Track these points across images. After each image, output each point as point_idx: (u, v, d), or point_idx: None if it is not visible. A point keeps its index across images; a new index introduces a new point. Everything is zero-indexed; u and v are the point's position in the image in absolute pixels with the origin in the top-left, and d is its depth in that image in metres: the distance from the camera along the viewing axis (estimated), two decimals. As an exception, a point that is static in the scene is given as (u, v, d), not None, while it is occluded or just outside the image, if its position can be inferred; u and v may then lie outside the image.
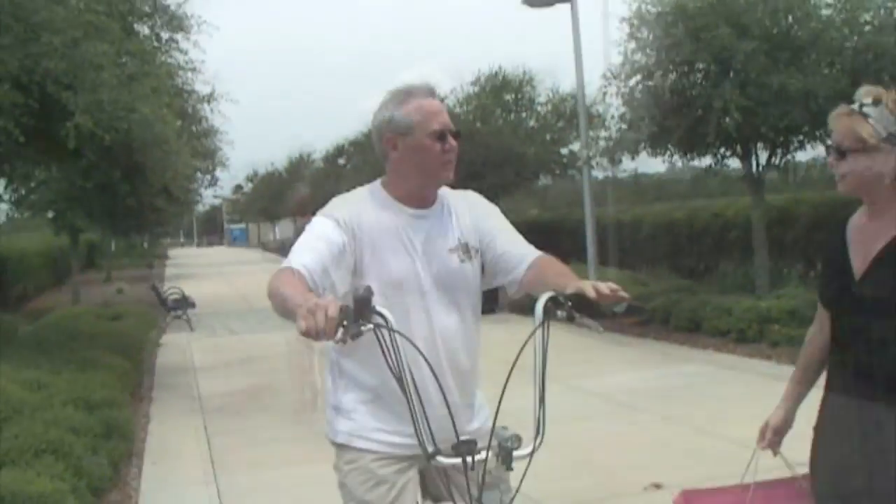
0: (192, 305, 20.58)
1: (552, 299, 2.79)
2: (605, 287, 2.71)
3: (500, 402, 2.68)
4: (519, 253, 3.25)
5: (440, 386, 2.79)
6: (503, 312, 16.51)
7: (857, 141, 3.03)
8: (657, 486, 6.59)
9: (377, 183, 3.29)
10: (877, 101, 3.04)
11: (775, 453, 3.39)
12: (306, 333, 2.46)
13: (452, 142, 3.16)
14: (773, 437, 3.38)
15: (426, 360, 2.74)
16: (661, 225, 20.98)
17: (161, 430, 9.81)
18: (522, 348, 2.66)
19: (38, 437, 6.64)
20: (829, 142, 3.19)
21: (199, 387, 12.44)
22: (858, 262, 3.12)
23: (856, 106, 3.08)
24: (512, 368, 2.64)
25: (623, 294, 2.72)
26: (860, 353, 3.07)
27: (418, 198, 3.22)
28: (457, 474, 2.86)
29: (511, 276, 3.24)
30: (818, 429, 3.25)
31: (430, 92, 3.20)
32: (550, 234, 26.03)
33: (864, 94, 3.10)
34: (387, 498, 3.10)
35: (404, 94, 3.16)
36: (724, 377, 11.05)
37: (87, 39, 9.94)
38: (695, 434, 7.93)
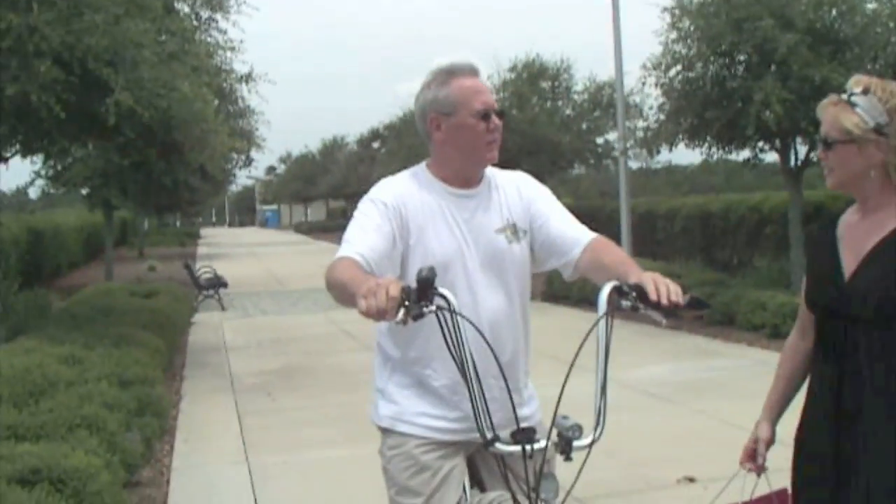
0: (225, 285, 20.67)
1: (616, 289, 2.73)
2: (664, 287, 2.68)
3: (562, 390, 2.63)
4: (573, 235, 3.21)
5: (500, 369, 2.77)
6: (535, 301, 16.47)
7: (842, 132, 2.95)
8: (690, 480, 6.55)
9: (422, 165, 3.26)
10: (866, 90, 2.94)
11: (760, 474, 3.24)
12: (367, 313, 2.46)
13: (497, 121, 3.12)
14: (763, 453, 3.25)
15: (489, 344, 2.70)
16: (696, 217, 20.84)
17: (193, 408, 9.85)
18: (586, 338, 2.61)
19: (73, 412, 6.65)
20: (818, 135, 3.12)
21: (230, 366, 12.49)
22: (850, 260, 3.03)
23: (844, 96, 2.99)
24: (575, 358, 2.60)
25: (679, 300, 2.68)
26: (847, 360, 2.97)
27: (463, 178, 3.19)
28: (514, 462, 2.81)
29: (566, 259, 3.20)
30: (799, 441, 3.16)
31: (473, 71, 3.16)
32: (584, 224, 26.00)
33: (854, 83, 3.00)
34: (430, 485, 3.05)
35: (446, 74, 3.12)
36: (758, 371, 10.94)
37: (129, 17, 9.96)
38: (727, 428, 7.86)
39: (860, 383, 2.92)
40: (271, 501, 6.73)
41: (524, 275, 3.24)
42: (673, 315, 2.78)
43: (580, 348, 2.59)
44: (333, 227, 59.26)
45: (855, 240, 3.04)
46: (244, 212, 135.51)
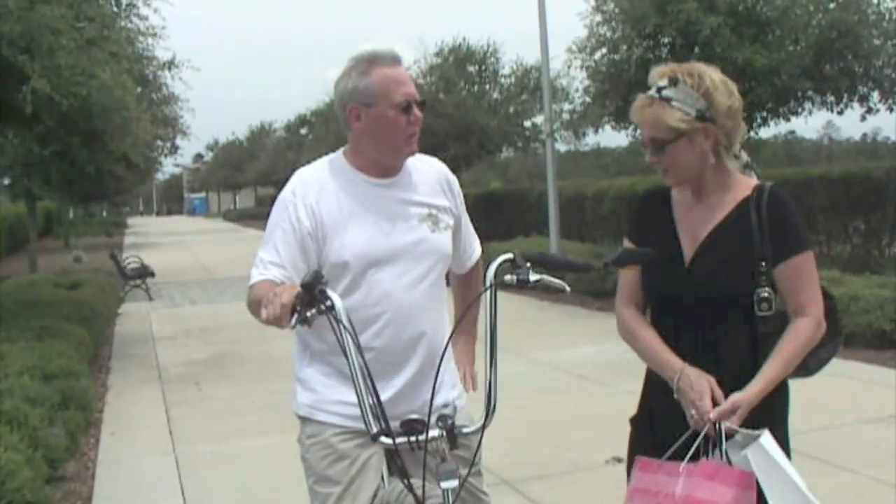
0: (152, 274, 20.44)
1: (510, 261, 2.75)
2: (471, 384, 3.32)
3: (436, 378, 2.64)
4: (471, 250, 3.50)
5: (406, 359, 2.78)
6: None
7: (669, 130, 2.90)
8: (618, 460, 6.57)
9: (339, 153, 3.22)
10: (673, 81, 2.90)
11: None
12: (266, 321, 2.62)
13: (418, 113, 3.07)
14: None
15: (357, 343, 2.67)
16: (624, 199, 20.97)
17: (119, 400, 9.70)
18: (466, 310, 2.62)
19: (-7, 407, 6.53)
20: (640, 137, 3.05)
21: (158, 357, 12.33)
22: (687, 245, 3.03)
23: (654, 93, 2.93)
24: (451, 335, 2.69)
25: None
26: (686, 343, 2.99)
27: (381, 168, 3.15)
28: (408, 453, 2.80)
29: (453, 269, 3.43)
30: (636, 422, 3.24)
31: (395, 60, 3.09)
32: (512, 207, 26.05)
33: (658, 76, 2.95)
34: (348, 473, 3.02)
35: (368, 63, 3.05)
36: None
37: (44, 2, 9.72)
38: (656, 408, 7.94)
39: (697, 366, 2.93)
40: (198, 492, 6.66)
41: (443, 263, 3.23)
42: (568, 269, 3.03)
43: (458, 322, 2.60)
44: (262, 215, 58.66)
45: (692, 224, 3.04)
46: (172, 200, 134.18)
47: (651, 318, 3.13)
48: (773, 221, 2.94)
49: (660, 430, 3.06)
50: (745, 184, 3.03)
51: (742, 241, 2.94)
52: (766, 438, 2.80)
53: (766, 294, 2.91)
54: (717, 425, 2.82)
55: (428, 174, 3.25)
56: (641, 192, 3.37)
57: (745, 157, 3.07)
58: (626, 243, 3.21)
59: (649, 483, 2.91)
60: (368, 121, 3.06)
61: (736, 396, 2.85)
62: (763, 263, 2.92)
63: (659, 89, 2.91)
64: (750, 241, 2.93)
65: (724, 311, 2.94)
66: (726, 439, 2.83)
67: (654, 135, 2.93)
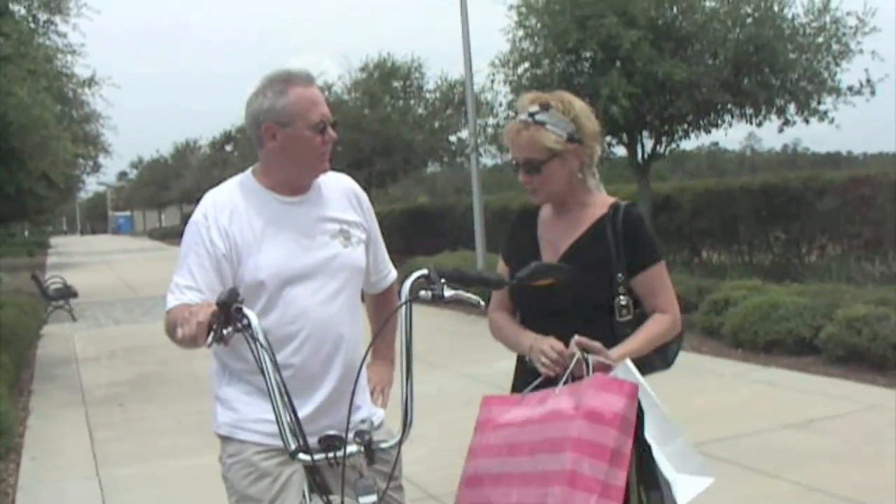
0: (75, 295, 20.11)
1: (425, 277, 2.77)
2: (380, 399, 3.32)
3: (353, 394, 2.65)
4: (386, 271, 3.52)
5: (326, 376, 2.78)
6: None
7: (545, 151, 3.14)
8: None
9: (248, 172, 3.21)
10: (545, 107, 3.15)
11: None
12: (181, 341, 2.62)
13: (332, 133, 3.09)
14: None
15: (275, 361, 2.68)
16: (549, 212, 21.10)
17: (41, 424, 9.52)
18: (383, 326, 2.63)
19: None
20: (512, 160, 3.25)
21: (81, 378, 12.12)
22: (549, 257, 3.24)
23: (526, 117, 3.17)
24: (369, 349, 2.71)
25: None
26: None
27: (292, 186, 3.15)
28: (328, 470, 2.81)
29: (367, 288, 3.46)
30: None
31: (309, 79, 3.09)
32: (439, 222, 26.07)
33: (529, 102, 3.20)
34: (270, 492, 3.01)
35: (283, 82, 3.04)
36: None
37: (-41, 20, 9.59)
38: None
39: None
40: (123, 515, 6.57)
41: (358, 279, 3.25)
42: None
43: (375, 336, 2.61)
44: (187, 233, 58.28)
45: (553, 237, 3.27)
46: (97, 219, 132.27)
47: (520, 318, 3.35)
48: (629, 238, 3.19)
49: None
50: (602, 201, 3.28)
51: (599, 255, 3.17)
52: (629, 363, 2.97)
53: (623, 301, 3.15)
54: (584, 355, 2.99)
55: (337, 190, 3.25)
56: (514, 214, 3.58)
57: (597, 174, 3.35)
58: (500, 264, 3.43)
59: (502, 414, 3.08)
60: (284, 140, 3.05)
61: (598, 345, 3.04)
62: (620, 275, 3.16)
63: (532, 114, 3.15)
64: (607, 255, 3.17)
65: (587, 318, 3.12)
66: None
67: (530, 155, 3.17)
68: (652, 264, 3.20)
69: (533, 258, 3.18)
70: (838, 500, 5.85)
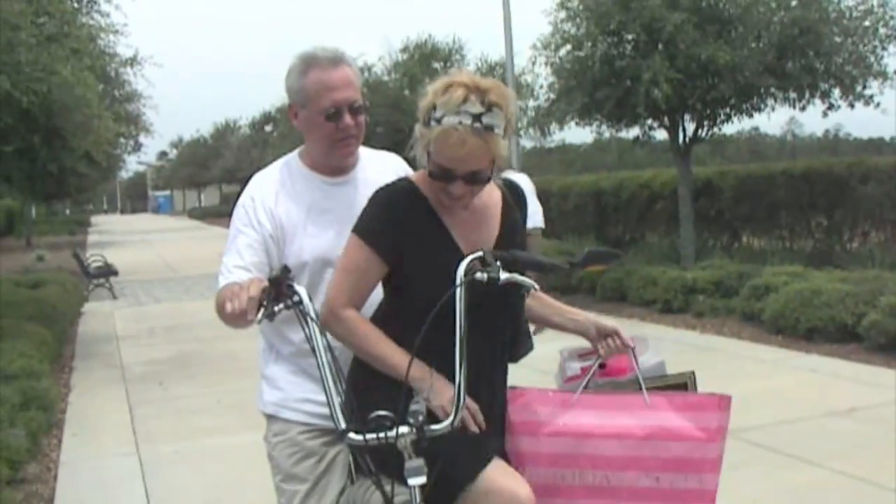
0: (115, 273, 20.27)
1: (480, 259, 2.68)
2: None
3: (407, 374, 2.58)
4: None
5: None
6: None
7: (490, 161, 2.70)
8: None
9: (294, 154, 3.23)
10: (489, 107, 2.63)
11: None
12: (230, 316, 2.61)
13: (349, 120, 3.02)
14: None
15: (329, 343, 2.64)
16: (588, 195, 21.03)
17: (82, 400, 9.61)
18: (437, 308, 2.55)
19: (-48, 409, 6.47)
20: (452, 170, 2.70)
21: (121, 356, 12.23)
22: (466, 250, 2.80)
23: (468, 121, 2.62)
24: (425, 328, 2.53)
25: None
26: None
27: (330, 167, 3.14)
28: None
29: None
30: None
31: (334, 61, 3.02)
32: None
33: (465, 97, 2.62)
34: (315, 471, 3.02)
35: (306, 63, 3.03)
36: (650, 347, 11.12)
37: (3, -2, 9.63)
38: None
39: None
40: (162, 492, 6.61)
41: None
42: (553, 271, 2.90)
43: (429, 320, 2.52)
44: (227, 212, 58.18)
45: (466, 231, 2.87)
46: (136, 198, 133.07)
47: (411, 324, 2.67)
48: (522, 206, 3.07)
49: None
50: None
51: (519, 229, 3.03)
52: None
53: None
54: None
55: (383, 170, 3.21)
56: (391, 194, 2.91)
57: None
58: (361, 250, 2.83)
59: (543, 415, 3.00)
60: (302, 121, 3.09)
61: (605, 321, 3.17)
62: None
63: (477, 117, 2.63)
64: (521, 228, 3.07)
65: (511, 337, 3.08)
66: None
67: (478, 168, 2.70)
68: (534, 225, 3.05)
69: (451, 251, 2.80)
70: (882, 490, 5.79)
